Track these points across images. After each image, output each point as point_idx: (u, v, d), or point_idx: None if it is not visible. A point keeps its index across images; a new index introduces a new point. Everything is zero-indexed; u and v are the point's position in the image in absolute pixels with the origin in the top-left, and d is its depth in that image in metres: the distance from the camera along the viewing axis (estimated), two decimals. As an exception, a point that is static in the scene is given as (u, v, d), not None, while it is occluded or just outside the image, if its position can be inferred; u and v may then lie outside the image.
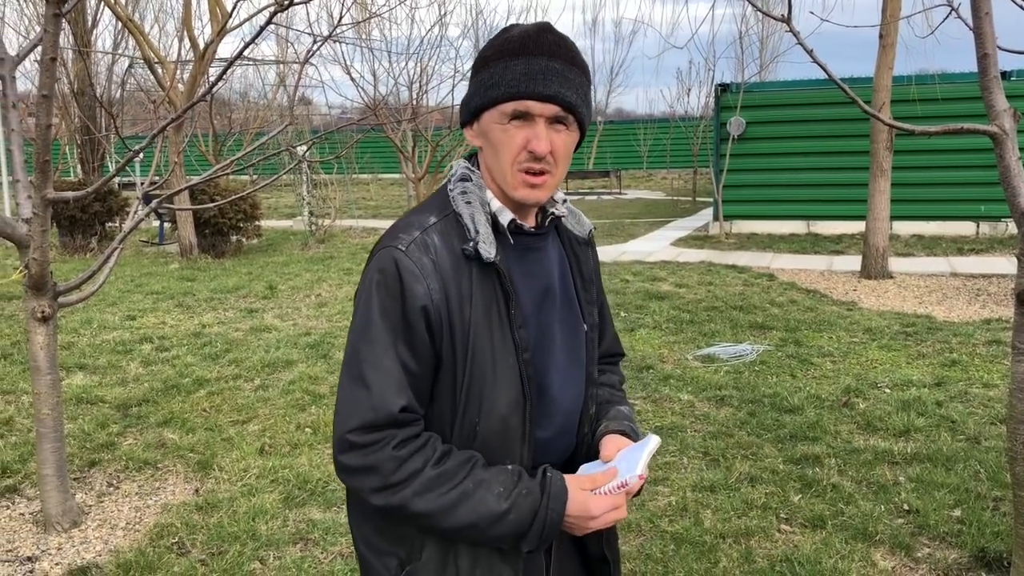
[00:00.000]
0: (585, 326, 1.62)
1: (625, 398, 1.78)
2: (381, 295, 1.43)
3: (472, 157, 1.58)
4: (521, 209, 1.52)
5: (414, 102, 13.53)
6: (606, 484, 1.47)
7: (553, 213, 1.58)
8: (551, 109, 1.43)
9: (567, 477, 1.48)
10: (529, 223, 1.56)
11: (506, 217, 1.50)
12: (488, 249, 1.44)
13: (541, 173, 1.45)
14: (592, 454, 1.62)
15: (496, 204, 1.51)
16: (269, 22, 3.05)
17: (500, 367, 1.46)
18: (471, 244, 1.44)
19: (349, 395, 1.44)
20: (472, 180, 1.53)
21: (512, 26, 1.50)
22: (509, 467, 1.46)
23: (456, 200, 1.50)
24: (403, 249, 1.44)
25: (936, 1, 3.82)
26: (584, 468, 1.57)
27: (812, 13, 3.60)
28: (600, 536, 1.62)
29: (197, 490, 4.40)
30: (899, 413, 5.26)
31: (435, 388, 1.47)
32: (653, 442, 1.52)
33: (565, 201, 1.63)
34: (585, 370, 1.62)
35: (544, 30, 1.47)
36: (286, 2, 3.00)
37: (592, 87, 1.53)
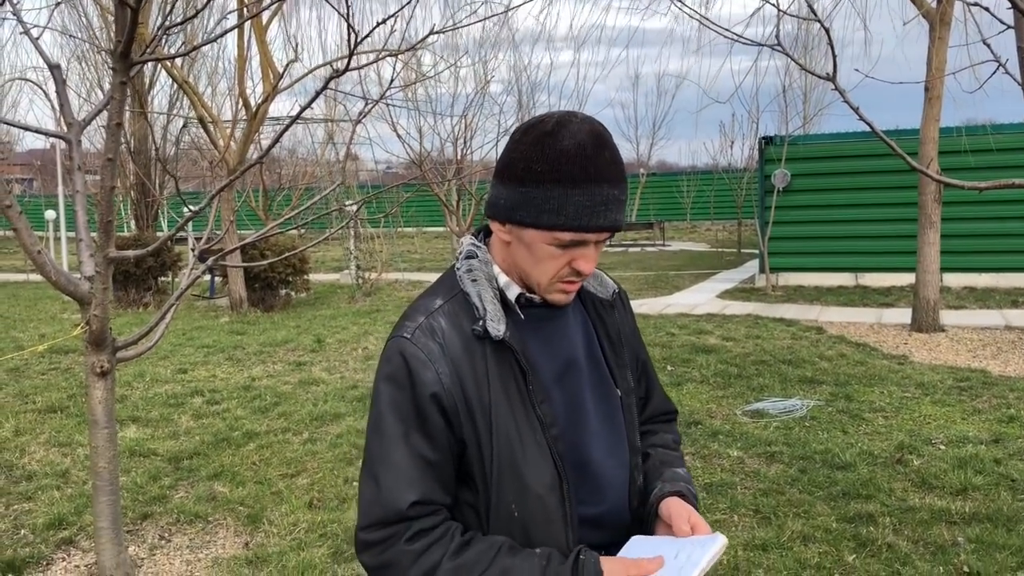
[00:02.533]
0: (619, 391, 1.55)
1: (681, 458, 1.69)
2: (390, 387, 1.42)
3: (480, 231, 1.55)
4: None
5: (458, 158, 13.73)
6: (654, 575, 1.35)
7: None
8: (604, 236, 1.42)
9: (606, 560, 1.37)
10: None
11: (514, 292, 1.46)
12: (497, 327, 1.41)
13: (577, 281, 1.46)
14: (647, 525, 1.53)
15: (503, 279, 1.47)
16: (323, 90, 3.15)
17: (528, 446, 1.41)
18: (480, 323, 1.41)
19: (363, 493, 1.43)
20: (478, 257, 1.49)
21: (561, 130, 1.39)
22: (538, 551, 1.37)
23: (463, 279, 1.47)
24: (408, 337, 1.42)
25: (983, 55, 3.82)
26: (633, 543, 1.46)
27: (857, 70, 3.63)
28: None
29: (247, 544, 4.44)
30: (955, 471, 5.14)
31: (465, 472, 1.43)
32: (719, 543, 1.39)
33: None
34: (626, 438, 1.54)
35: (600, 146, 1.39)
36: (340, 70, 3.10)
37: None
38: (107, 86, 17.12)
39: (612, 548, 1.50)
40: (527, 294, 1.48)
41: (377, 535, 1.39)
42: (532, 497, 1.40)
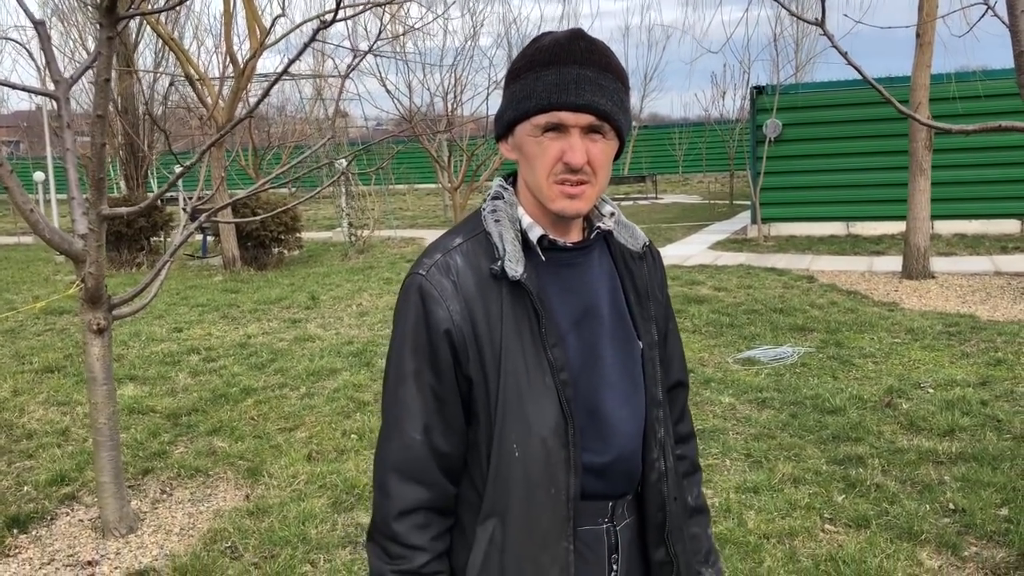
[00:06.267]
0: (641, 344, 1.54)
1: (704, 501, 1.72)
2: (402, 324, 1.44)
3: (510, 175, 1.55)
4: (563, 223, 1.47)
5: (449, 112, 13.63)
6: None
7: (599, 227, 1.51)
8: (585, 119, 1.37)
9: None
10: (573, 238, 1.50)
11: (536, 233, 1.45)
12: (514, 267, 1.40)
13: (579, 183, 1.39)
14: (669, 482, 1.54)
15: (527, 220, 1.47)
16: (312, 39, 3.14)
17: (535, 387, 1.41)
18: (498, 263, 1.42)
19: (382, 435, 1.48)
20: (504, 198, 1.49)
21: (543, 34, 1.45)
22: None
23: (487, 219, 1.47)
24: (423, 274, 1.43)
25: (972, -1, 3.82)
26: None
27: (846, 16, 3.62)
28: (670, 573, 1.54)
29: (248, 496, 4.51)
30: (943, 413, 5.23)
31: (470, 410, 1.45)
32: None
33: (614, 214, 1.55)
34: (646, 391, 1.53)
35: (575, 37, 1.41)
36: (329, 20, 3.09)
37: (629, 91, 1.47)
38: (91, 44, 16.90)
39: (618, 500, 1.50)
40: (551, 237, 1.47)
41: (373, 548, 1.46)
42: (535, 438, 1.41)
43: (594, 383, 1.47)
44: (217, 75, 12.95)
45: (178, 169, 3.72)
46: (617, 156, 1.48)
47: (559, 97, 1.37)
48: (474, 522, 1.45)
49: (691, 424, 1.76)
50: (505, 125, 1.46)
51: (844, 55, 3.20)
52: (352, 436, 5.27)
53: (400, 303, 1.46)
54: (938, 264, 10.68)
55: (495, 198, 1.50)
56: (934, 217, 10.54)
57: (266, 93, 3.20)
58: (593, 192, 1.42)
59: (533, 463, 1.41)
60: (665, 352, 1.65)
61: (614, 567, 1.50)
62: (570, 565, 1.43)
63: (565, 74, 1.37)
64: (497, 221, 1.46)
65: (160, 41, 13.47)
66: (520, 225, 1.47)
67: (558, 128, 1.38)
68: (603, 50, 1.41)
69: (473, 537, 1.45)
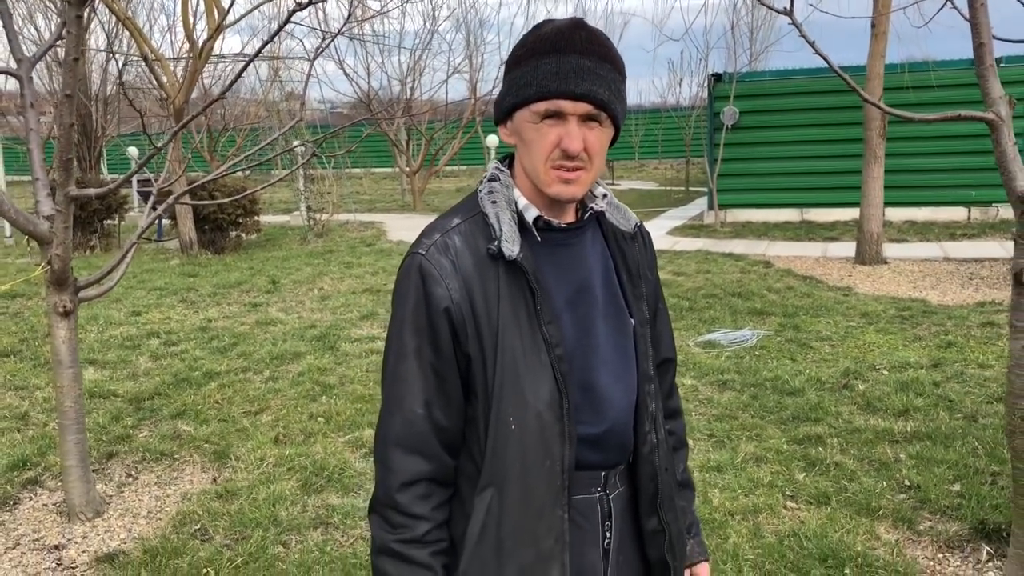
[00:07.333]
0: (633, 321, 1.61)
1: (690, 476, 1.82)
2: (403, 303, 1.48)
3: (506, 158, 1.60)
4: (557, 206, 1.52)
5: (407, 96, 13.56)
6: None
7: (592, 208, 1.56)
8: (583, 107, 1.41)
9: None
10: (567, 219, 1.55)
11: (531, 214, 1.50)
12: (511, 247, 1.45)
13: (575, 169, 1.44)
14: (660, 454, 1.59)
15: (523, 201, 1.51)
16: (288, 20, 3.14)
17: (531, 363, 1.46)
18: (495, 243, 1.46)
19: (383, 411, 1.51)
20: (500, 180, 1.54)
21: (544, 22, 1.49)
22: None
23: (483, 200, 1.52)
24: (423, 253, 1.47)
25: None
26: None
27: (811, 5, 3.70)
28: (662, 541, 1.60)
29: (215, 479, 4.50)
30: (898, 394, 5.39)
31: (468, 386, 1.49)
32: None
33: (606, 196, 1.60)
34: (637, 366, 1.59)
35: (576, 26, 1.45)
36: (305, 2, 3.08)
37: (626, 80, 1.51)
38: (40, 22, 16.51)
39: (611, 470, 1.56)
40: (545, 217, 1.51)
41: (376, 519, 1.50)
42: (531, 412, 1.46)
43: (588, 359, 1.52)
44: (170, 55, 12.74)
45: (132, 150, 3.69)
46: (612, 142, 1.52)
47: (559, 86, 1.41)
48: (472, 493, 1.49)
49: (679, 401, 1.83)
50: (505, 110, 1.50)
51: (812, 44, 3.28)
52: (319, 419, 5.27)
53: (400, 282, 1.50)
54: (890, 250, 10.93)
55: (491, 180, 1.54)
56: (885, 204, 10.78)
57: (240, 73, 3.18)
58: (588, 177, 1.47)
59: (529, 436, 1.46)
60: (655, 329, 1.70)
61: (607, 534, 1.55)
62: (565, 532, 1.48)
63: (565, 63, 1.41)
64: (494, 202, 1.50)
65: (113, 20, 13.19)
66: (516, 206, 1.51)
67: (557, 115, 1.43)
68: (602, 40, 1.46)
69: (471, 507, 1.49)
